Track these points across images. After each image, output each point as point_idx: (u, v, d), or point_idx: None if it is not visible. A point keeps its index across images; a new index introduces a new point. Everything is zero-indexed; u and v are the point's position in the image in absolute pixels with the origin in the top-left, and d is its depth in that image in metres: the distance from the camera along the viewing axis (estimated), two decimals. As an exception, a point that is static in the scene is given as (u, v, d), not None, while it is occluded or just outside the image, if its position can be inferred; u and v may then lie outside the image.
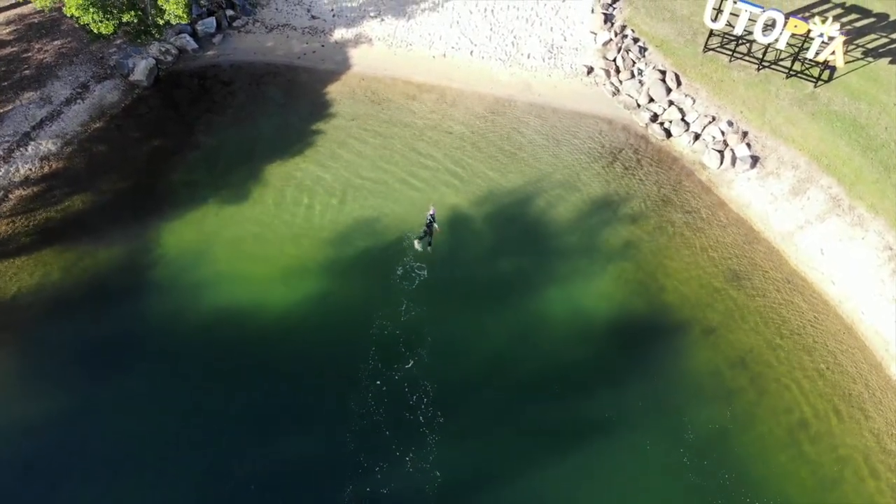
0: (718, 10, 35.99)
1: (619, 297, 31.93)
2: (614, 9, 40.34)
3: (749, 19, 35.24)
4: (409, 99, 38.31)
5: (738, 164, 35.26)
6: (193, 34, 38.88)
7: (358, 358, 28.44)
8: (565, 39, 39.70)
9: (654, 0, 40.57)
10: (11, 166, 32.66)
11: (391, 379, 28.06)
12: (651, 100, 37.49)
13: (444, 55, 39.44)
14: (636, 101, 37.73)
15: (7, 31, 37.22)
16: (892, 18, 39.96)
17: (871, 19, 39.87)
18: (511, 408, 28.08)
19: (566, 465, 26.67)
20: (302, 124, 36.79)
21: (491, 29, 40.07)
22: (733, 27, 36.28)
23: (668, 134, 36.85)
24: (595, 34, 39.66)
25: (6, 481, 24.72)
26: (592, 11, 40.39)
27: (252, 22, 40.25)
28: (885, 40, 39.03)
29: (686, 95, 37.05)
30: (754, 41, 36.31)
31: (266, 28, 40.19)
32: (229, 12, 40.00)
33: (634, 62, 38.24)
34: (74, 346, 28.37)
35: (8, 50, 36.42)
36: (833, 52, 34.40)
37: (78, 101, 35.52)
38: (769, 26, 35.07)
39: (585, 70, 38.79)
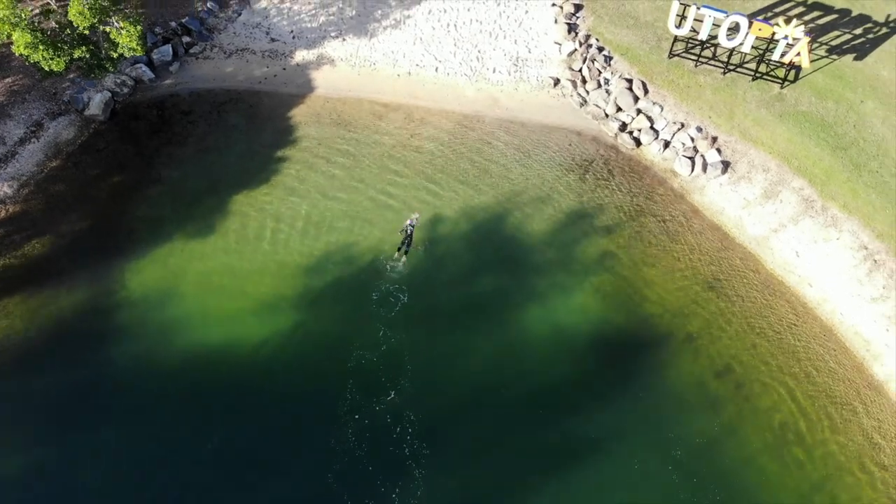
0: (682, 17, 35.83)
1: (599, 310, 31.61)
2: (577, 18, 40.04)
3: (713, 24, 35.11)
4: (375, 119, 37.62)
5: (709, 170, 35.11)
6: (149, 63, 37.76)
7: (337, 393, 27.73)
8: (530, 52, 39.29)
9: (617, 7, 40.35)
10: (-35, 213, 31.47)
11: (373, 412, 27.38)
12: (619, 109, 37.20)
13: (409, 73, 38.81)
14: (604, 110, 37.41)
15: (-47, 70, 35.96)
16: (854, 14, 40.23)
17: (834, 16, 40.09)
18: (497, 434, 27.58)
19: (557, 490, 26.26)
20: (267, 151, 35.91)
21: (455, 44, 39.54)
22: (697, 32, 36.15)
23: (638, 143, 36.60)
24: (559, 45, 39.29)
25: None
26: (556, 22, 40.03)
27: (210, 47, 39.25)
28: (847, 36, 39.24)
29: (654, 103, 36.82)
30: (719, 45, 36.22)
31: (225, 53, 39.23)
32: (186, 39, 38.93)
33: (600, 72, 37.94)
34: (42, 398, 27.33)
35: (-45, 90, 35.17)
36: (798, 54, 34.40)
37: (32, 140, 34.30)
38: (733, 30, 34.97)
39: (552, 82, 38.41)
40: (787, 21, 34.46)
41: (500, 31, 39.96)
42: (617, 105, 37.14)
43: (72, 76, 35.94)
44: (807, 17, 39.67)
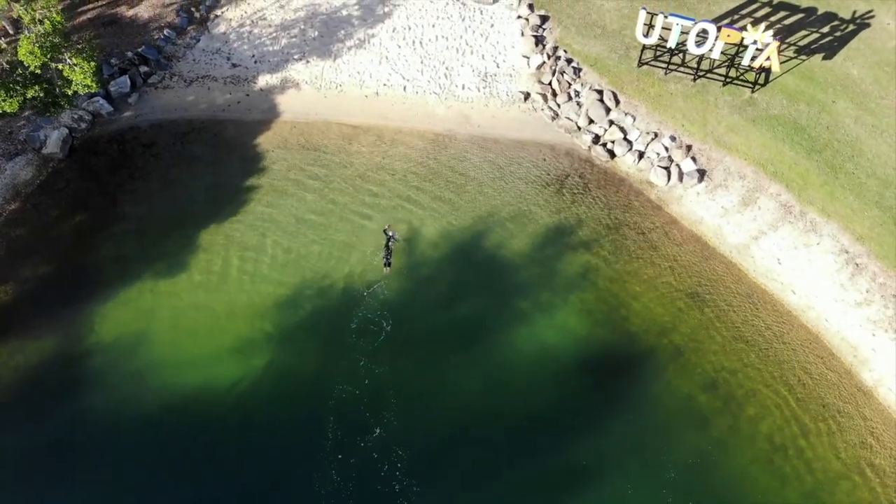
0: (649, 26, 35.38)
1: (584, 329, 31.11)
2: (544, 30, 39.42)
3: (681, 32, 34.71)
4: (345, 142, 36.72)
5: (685, 180, 34.72)
6: (107, 96, 36.43)
7: (319, 433, 26.91)
8: (498, 66, 38.63)
9: (583, 17, 39.83)
10: (-81, 265, 30.05)
11: (358, 450, 26.59)
12: (591, 121, 36.66)
13: (377, 93, 37.96)
14: (576, 123, 36.86)
15: None
16: (820, 12, 40.11)
17: (800, 15, 39.93)
18: (488, 465, 26.98)
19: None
20: (234, 181, 34.87)
21: (422, 62, 38.75)
22: (666, 41, 35.75)
23: (612, 155, 36.09)
24: (528, 58, 38.68)
25: None
26: (522, 34, 39.41)
27: (169, 76, 38.04)
28: (816, 35, 39.09)
29: (626, 114, 36.35)
30: (688, 52, 35.83)
31: (185, 81, 38.04)
32: (143, 69, 37.65)
33: (570, 84, 37.37)
34: (12, 453, 26.30)
35: None
36: (768, 58, 34.13)
37: (-12, 183, 33.03)
38: (702, 37, 34.62)
39: (522, 96, 37.79)
40: (756, 26, 34.19)
41: (467, 47, 39.25)
42: (589, 117, 36.61)
43: (27, 114, 34.59)
44: (773, 18, 39.50)
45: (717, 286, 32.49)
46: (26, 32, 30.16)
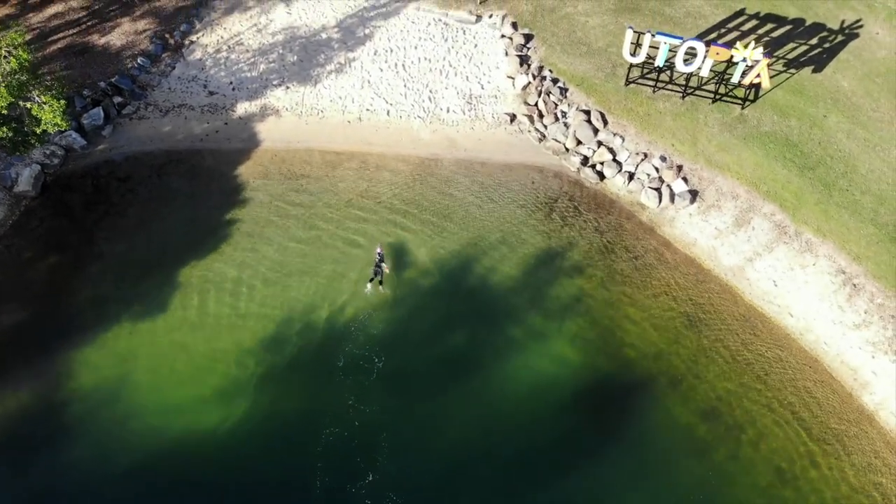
0: (637, 45, 34.63)
1: (579, 359, 30.29)
2: (528, 49, 38.59)
3: (669, 50, 33.99)
4: (329, 169, 35.71)
5: (677, 201, 34.00)
6: (80, 129, 35.18)
7: (308, 478, 25.95)
8: (483, 88, 37.75)
9: (567, 35, 39.03)
10: None
11: (350, 496, 25.65)
12: (579, 142, 35.86)
13: (360, 119, 36.99)
14: (564, 145, 36.04)
15: None
16: (808, 23, 39.58)
17: (788, 27, 39.37)
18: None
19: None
20: (215, 215, 33.75)
21: (405, 85, 37.81)
22: (654, 59, 35.02)
23: (602, 176, 35.31)
24: (513, 78, 37.83)
25: None
26: (506, 54, 38.55)
27: (144, 106, 36.86)
28: (804, 47, 38.53)
29: (614, 134, 35.58)
30: (676, 69, 35.11)
31: (161, 111, 36.88)
32: (117, 99, 36.45)
33: (557, 104, 36.56)
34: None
35: None
36: (758, 75, 33.48)
37: (-42, 226, 31.79)
38: (690, 56, 33.91)
39: (508, 118, 36.93)
40: (745, 43, 33.52)
41: (451, 68, 38.34)
42: (577, 138, 35.81)
43: (-4, 152, 33.43)
44: (761, 31, 38.91)
45: (714, 310, 31.79)
46: (-8, 70, 29.05)
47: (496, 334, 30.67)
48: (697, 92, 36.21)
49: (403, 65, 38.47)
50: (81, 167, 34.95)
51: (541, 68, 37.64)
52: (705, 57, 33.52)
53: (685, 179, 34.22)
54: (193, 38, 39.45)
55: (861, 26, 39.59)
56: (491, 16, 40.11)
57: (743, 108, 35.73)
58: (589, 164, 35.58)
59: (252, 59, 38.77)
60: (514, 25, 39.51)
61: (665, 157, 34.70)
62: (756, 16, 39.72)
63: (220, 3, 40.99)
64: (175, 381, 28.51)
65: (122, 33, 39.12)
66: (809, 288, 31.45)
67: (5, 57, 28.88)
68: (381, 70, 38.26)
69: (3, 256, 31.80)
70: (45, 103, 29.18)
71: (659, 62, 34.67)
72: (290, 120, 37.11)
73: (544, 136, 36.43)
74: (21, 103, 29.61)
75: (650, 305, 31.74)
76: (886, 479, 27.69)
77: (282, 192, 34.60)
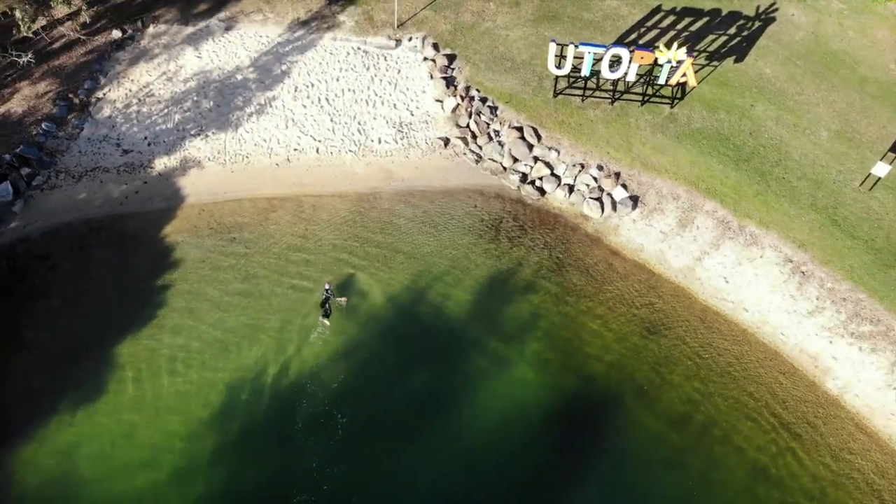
0: (561, 57, 34.18)
1: (546, 380, 29.70)
2: (452, 70, 37.76)
3: (594, 59, 33.64)
4: (261, 217, 34.12)
5: (619, 208, 33.72)
6: (-12, 208, 32.87)
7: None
8: (412, 114, 36.74)
9: (490, 51, 38.37)
10: None
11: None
12: (515, 160, 35.25)
13: (289, 160, 35.50)
14: (501, 164, 35.37)
15: None
16: (724, 13, 40.00)
17: (705, 19, 39.68)
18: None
19: None
20: (145, 281, 31.73)
21: (332, 120, 36.49)
22: (579, 69, 34.63)
23: (542, 192, 34.76)
24: (441, 102, 36.95)
25: None
26: (431, 77, 37.61)
27: (55, 174, 34.52)
28: (724, 38, 38.87)
29: (549, 148, 35.10)
30: (603, 77, 34.80)
31: (74, 177, 34.59)
32: (25, 170, 33.99)
33: (489, 124, 35.86)
34: None
35: None
36: (684, 75, 33.48)
37: None
38: (615, 62, 33.66)
39: (442, 143, 36.04)
40: (668, 44, 33.47)
41: (377, 97, 37.20)
42: (513, 156, 35.19)
43: None
44: (679, 26, 39.08)
45: (670, 314, 31.61)
46: None
47: (459, 367, 29.80)
48: (626, 96, 36.08)
49: (327, 99, 37.13)
50: (-6, 249, 32.54)
51: (468, 88, 36.89)
52: (630, 62, 33.32)
53: (624, 186, 33.97)
54: (100, 94, 37.22)
55: (776, 9, 40.20)
56: (411, 39, 39.13)
57: (672, 108, 35.75)
58: (528, 180, 34.99)
59: (165, 110, 36.80)
60: (436, 46, 38.63)
61: (602, 165, 34.39)
62: (673, 11, 39.88)
63: (125, 54, 38.83)
64: (125, 469, 26.59)
65: (22, 98, 36.61)
66: (760, 281, 31.57)
67: None
68: (305, 107, 36.84)
69: (-83, 360, 29.28)
70: (-58, 192, 26.85)
71: (585, 72, 34.33)
72: (214, 170, 35.34)
73: (480, 157, 35.67)
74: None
75: (607, 316, 31.37)
76: (863, 460, 27.96)
77: (214, 246, 32.87)
